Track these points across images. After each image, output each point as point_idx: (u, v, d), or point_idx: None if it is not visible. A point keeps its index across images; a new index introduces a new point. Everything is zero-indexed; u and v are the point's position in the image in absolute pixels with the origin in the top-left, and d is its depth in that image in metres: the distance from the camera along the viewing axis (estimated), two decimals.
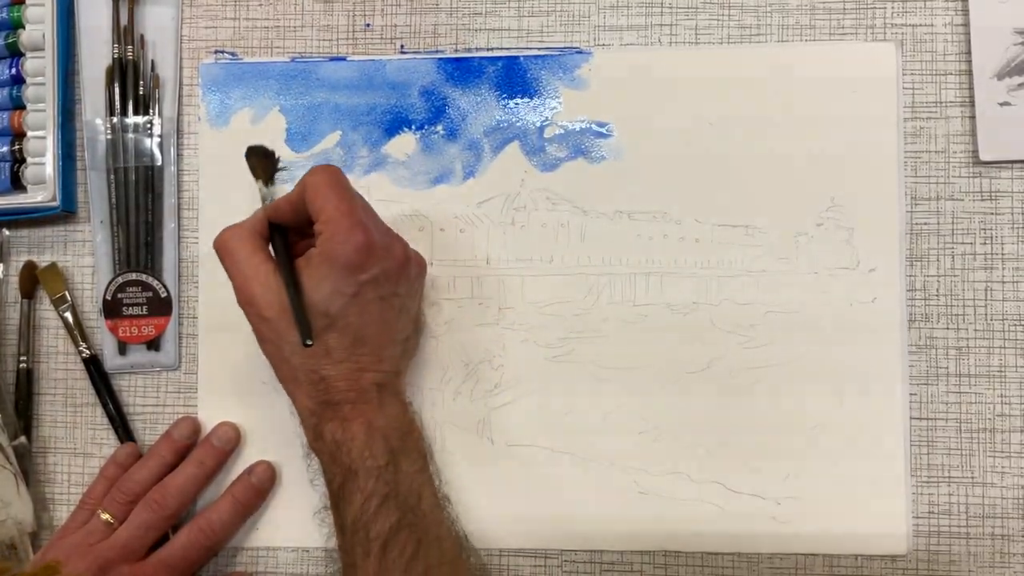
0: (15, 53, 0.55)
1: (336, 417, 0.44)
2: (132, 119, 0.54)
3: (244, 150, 0.51)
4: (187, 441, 0.52)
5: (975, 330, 0.51)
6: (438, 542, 0.44)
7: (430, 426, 0.52)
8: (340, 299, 0.44)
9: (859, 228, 0.51)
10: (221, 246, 0.46)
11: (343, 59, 0.55)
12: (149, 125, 0.54)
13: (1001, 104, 0.51)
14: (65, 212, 0.54)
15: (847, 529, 0.50)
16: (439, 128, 0.54)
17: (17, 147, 0.55)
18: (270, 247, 0.47)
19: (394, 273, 0.46)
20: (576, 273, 0.52)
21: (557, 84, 0.53)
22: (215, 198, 0.54)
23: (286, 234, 0.47)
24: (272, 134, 0.54)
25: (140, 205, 0.54)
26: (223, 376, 0.54)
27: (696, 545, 0.51)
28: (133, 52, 0.55)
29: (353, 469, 0.43)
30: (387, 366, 0.46)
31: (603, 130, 0.53)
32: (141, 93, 0.55)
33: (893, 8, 0.53)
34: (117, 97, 0.54)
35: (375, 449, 0.44)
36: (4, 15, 0.55)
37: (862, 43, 0.53)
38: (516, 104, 0.54)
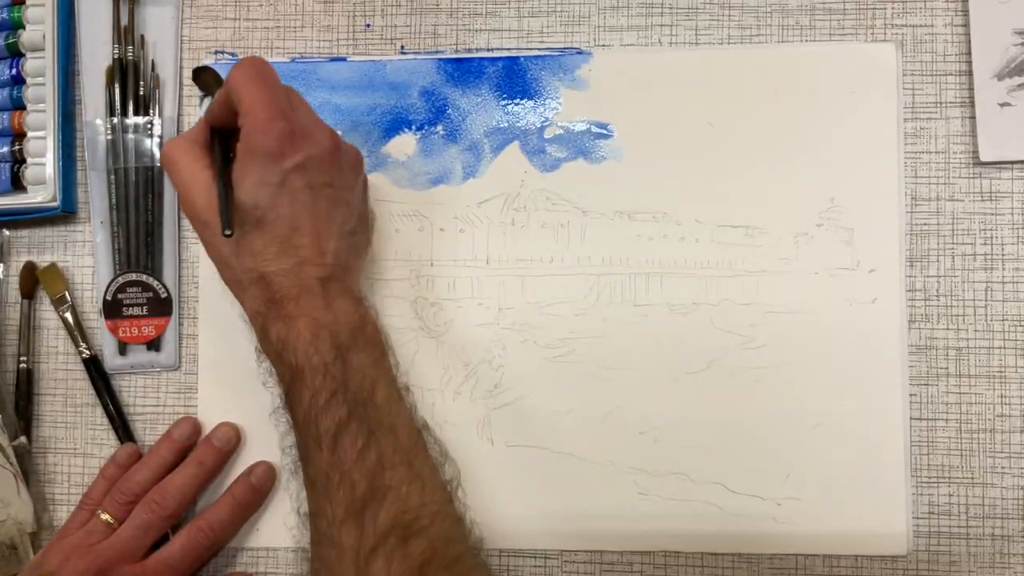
0: (15, 53, 0.55)
1: (280, 316, 0.44)
2: (132, 119, 0.54)
3: (193, 70, 0.52)
4: (187, 441, 0.52)
5: (975, 331, 0.51)
6: (392, 431, 0.43)
7: (430, 426, 0.52)
8: (267, 189, 0.43)
9: (859, 228, 0.51)
10: (164, 157, 0.47)
11: (343, 59, 0.55)
12: (149, 125, 0.54)
13: (1001, 104, 0.51)
14: (65, 212, 0.55)
15: (847, 529, 0.50)
16: (439, 128, 0.54)
17: (17, 147, 0.55)
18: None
19: (323, 161, 0.45)
20: (576, 273, 0.52)
21: (557, 84, 0.54)
22: None
23: (228, 137, 0.46)
24: None
25: (140, 205, 0.54)
26: (223, 376, 0.54)
27: (696, 545, 0.51)
28: (133, 52, 0.55)
29: (299, 367, 0.43)
30: (330, 259, 0.45)
31: (603, 130, 0.53)
32: (141, 93, 0.55)
33: (893, 8, 0.53)
34: (117, 97, 0.54)
35: (321, 346, 0.43)
36: (4, 15, 0.55)
37: (862, 43, 0.53)
38: (516, 104, 0.54)
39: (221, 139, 0.47)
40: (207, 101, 0.51)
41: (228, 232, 0.42)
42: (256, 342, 0.46)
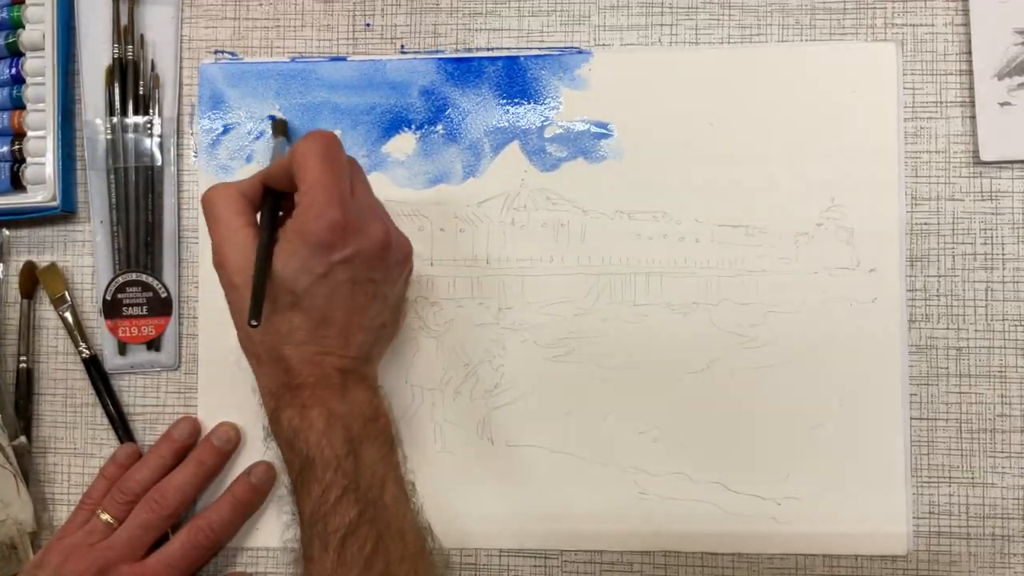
0: (15, 53, 0.55)
1: (295, 402, 0.43)
2: (132, 119, 0.54)
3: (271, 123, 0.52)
4: (187, 441, 0.52)
5: (975, 330, 0.51)
6: (400, 535, 0.43)
7: (429, 426, 0.52)
8: (308, 277, 0.42)
9: (859, 228, 0.51)
10: (206, 201, 0.44)
11: (343, 59, 0.55)
12: (149, 125, 0.54)
13: (1001, 104, 0.51)
14: (65, 212, 0.54)
15: (847, 529, 0.50)
16: (439, 128, 0.54)
17: (17, 147, 0.55)
18: (259, 214, 0.45)
19: (371, 256, 0.43)
20: (576, 273, 0.52)
21: (557, 84, 0.53)
22: None
23: (279, 201, 0.45)
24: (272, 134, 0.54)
25: (140, 205, 0.54)
26: (223, 376, 0.54)
27: (696, 545, 0.51)
28: (133, 52, 0.55)
29: (310, 458, 0.42)
30: (354, 352, 0.45)
31: (603, 130, 0.53)
32: (141, 93, 0.55)
33: (893, 8, 0.53)
34: (117, 97, 0.54)
35: (334, 438, 0.42)
36: (4, 15, 0.55)
37: (862, 43, 0.53)
38: (516, 104, 0.54)
39: (273, 204, 0.45)
40: (273, 145, 0.50)
41: (254, 323, 0.40)
42: (265, 422, 0.45)
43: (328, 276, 0.42)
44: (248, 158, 0.54)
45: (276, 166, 0.45)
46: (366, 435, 0.44)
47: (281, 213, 0.45)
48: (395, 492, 0.44)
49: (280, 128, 0.53)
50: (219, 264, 0.44)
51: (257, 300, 0.41)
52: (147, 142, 0.54)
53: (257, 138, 0.54)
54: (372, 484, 0.43)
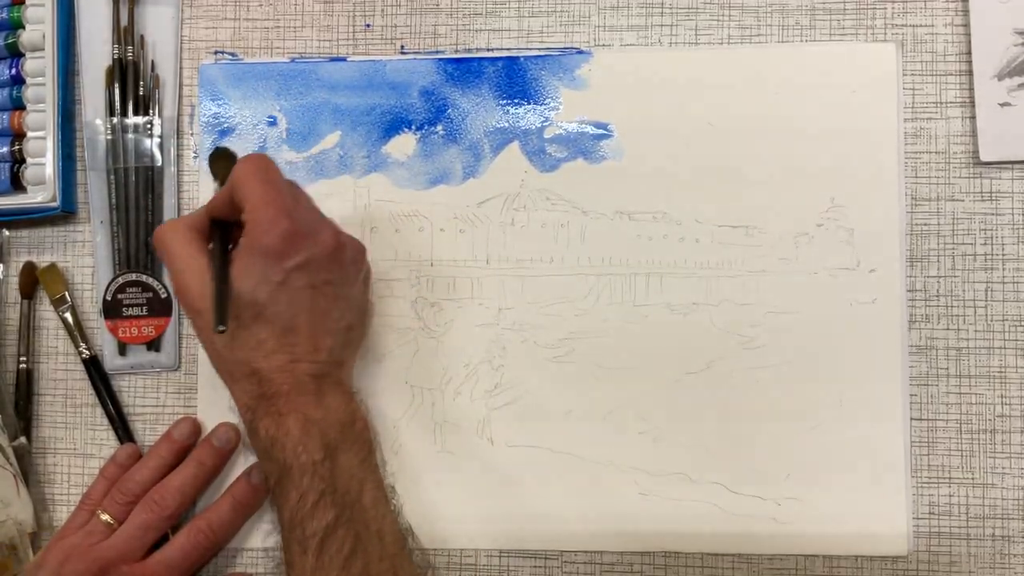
0: (15, 53, 0.55)
1: (270, 412, 0.43)
2: (132, 119, 0.54)
3: (209, 155, 0.53)
4: (187, 441, 0.52)
5: (975, 331, 0.51)
6: (379, 537, 0.43)
7: (429, 426, 0.52)
8: (266, 287, 0.43)
9: (859, 228, 0.51)
10: (157, 240, 0.46)
11: (343, 59, 0.55)
12: (149, 125, 0.54)
13: (1001, 104, 0.51)
14: (65, 212, 0.54)
15: (847, 530, 0.50)
16: (439, 128, 0.54)
17: (17, 147, 0.55)
18: (210, 245, 0.46)
19: (324, 258, 0.45)
20: (576, 273, 0.52)
21: (557, 84, 0.53)
22: None
23: (229, 230, 0.47)
24: (272, 134, 0.54)
25: (140, 205, 0.54)
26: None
27: (696, 545, 0.51)
28: (133, 52, 0.55)
29: (287, 465, 0.43)
30: (324, 356, 0.45)
31: (603, 130, 0.53)
32: (141, 93, 0.55)
33: (893, 8, 0.53)
34: (117, 97, 0.54)
35: (310, 444, 0.43)
36: (4, 15, 0.55)
37: (862, 43, 0.53)
38: (516, 104, 0.54)
39: (221, 231, 0.47)
40: (214, 186, 0.51)
41: (222, 328, 0.41)
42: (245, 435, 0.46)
43: (286, 283, 0.44)
44: None
45: (218, 196, 0.46)
46: (343, 440, 0.44)
47: (231, 246, 0.46)
48: (374, 495, 0.45)
49: (220, 157, 0.53)
50: (180, 293, 0.45)
51: (220, 305, 0.42)
52: (147, 142, 0.54)
53: (257, 138, 0.54)
54: (350, 487, 0.43)
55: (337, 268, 0.46)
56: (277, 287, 0.44)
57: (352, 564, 0.42)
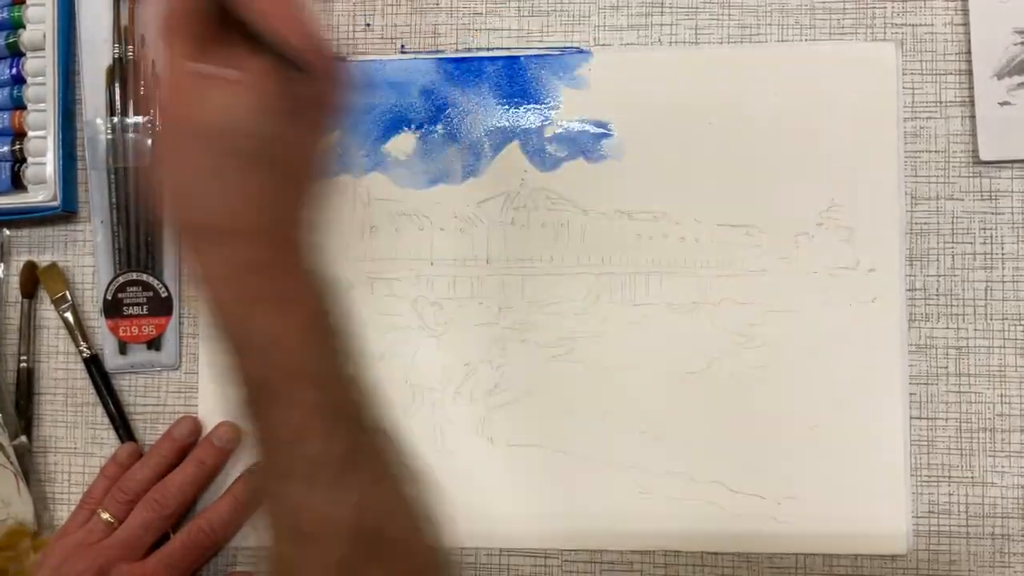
0: (16, 53, 0.55)
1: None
2: (133, 119, 0.54)
3: None
4: (187, 440, 0.52)
5: (975, 330, 0.51)
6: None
7: (429, 426, 0.52)
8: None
9: (859, 228, 0.51)
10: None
11: (343, 60, 0.55)
12: (150, 125, 0.54)
13: (1001, 104, 0.51)
14: (66, 212, 0.55)
15: (847, 529, 0.50)
16: (439, 128, 0.54)
17: (18, 147, 0.55)
18: None
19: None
20: (576, 273, 0.52)
21: (557, 84, 0.54)
22: None
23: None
24: None
25: (141, 205, 0.54)
26: (223, 376, 0.53)
27: (696, 545, 0.51)
28: (134, 52, 0.55)
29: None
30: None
31: (603, 129, 0.53)
32: (141, 93, 0.55)
33: (893, 8, 0.53)
34: (118, 97, 0.54)
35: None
36: (5, 15, 0.55)
37: (862, 43, 0.53)
38: (516, 104, 0.54)
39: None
40: None
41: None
42: None
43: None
44: None
45: None
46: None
47: None
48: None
49: None
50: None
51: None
52: (148, 142, 0.54)
53: None
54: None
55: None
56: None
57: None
